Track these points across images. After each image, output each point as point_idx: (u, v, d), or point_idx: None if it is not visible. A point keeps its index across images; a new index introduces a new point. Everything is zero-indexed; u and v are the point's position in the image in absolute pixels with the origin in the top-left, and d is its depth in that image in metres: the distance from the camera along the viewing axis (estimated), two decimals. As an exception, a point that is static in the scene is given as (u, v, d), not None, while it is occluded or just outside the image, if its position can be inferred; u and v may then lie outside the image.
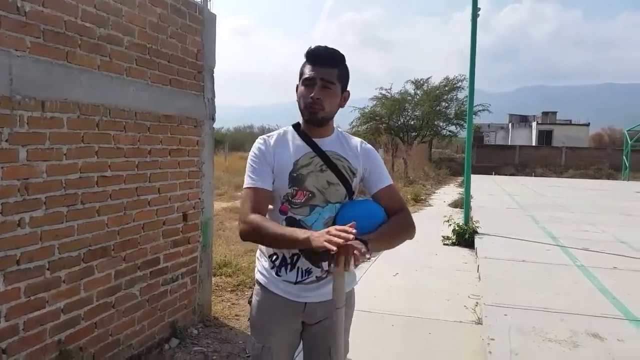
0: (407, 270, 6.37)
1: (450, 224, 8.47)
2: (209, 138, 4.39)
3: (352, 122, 40.14)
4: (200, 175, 4.28)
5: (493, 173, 31.26)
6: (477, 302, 5.01)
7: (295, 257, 1.92)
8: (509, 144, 40.20)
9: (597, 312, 4.38)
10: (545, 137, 39.37)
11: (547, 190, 18.76)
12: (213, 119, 4.41)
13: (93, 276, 3.10)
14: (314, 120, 1.87)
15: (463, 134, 37.08)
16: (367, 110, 37.72)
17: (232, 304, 5.23)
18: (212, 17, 4.31)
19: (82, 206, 2.96)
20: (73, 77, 2.82)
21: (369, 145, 2.02)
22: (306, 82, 1.84)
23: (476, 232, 8.27)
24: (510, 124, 44.90)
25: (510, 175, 31.03)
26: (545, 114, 44.36)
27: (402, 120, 34.46)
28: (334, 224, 1.85)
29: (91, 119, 2.99)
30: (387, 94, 34.05)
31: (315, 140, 1.93)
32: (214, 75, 4.39)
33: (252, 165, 1.90)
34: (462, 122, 33.66)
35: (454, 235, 8.34)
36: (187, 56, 3.95)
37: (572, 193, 17.94)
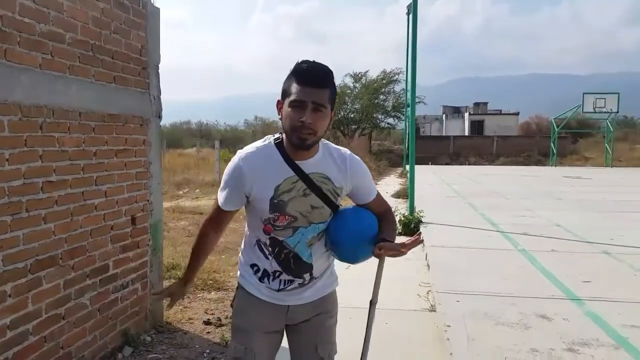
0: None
1: (396, 215, 8.62)
2: (155, 137, 4.23)
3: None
4: (148, 176, 4.12)
5: (430, 163, 32.13)
6: (428, 290, 5.14)
7: (277, 273, 1.94)
8: (444, 134, 41.48)
9: (543, 294, 4.60)
10: (477, 127, 40.92)
11: (482, 178, 19.51)
12: (159, 117, 4.26)
13: (41, 287, 2.92)
14: (302, 146, 1.73)
15: (401, 125, 37.94)
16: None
17: (185, 307, 5.10)
18: (156, 11, 4.15)
19: (27, 214, 2.77)
20: (13, 77, 2.63)
21: (356, 159, 1.94)
22: (295, 104, 1.69)
23: (421, 222, 8.47)
24: (444, 115, 46.34)
25: (445, 164, 32.02)
26: (476, 104, 46.08)
27: (342, 113, 34.76)
28: (341, 238, 1.90)
29: (34, 121, 2.80)
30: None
31: (299, 162, 1.80)
32: (159, 71, 4.23)
33: (225, 186, 1.88)
34: (400, 115, 34.40)
35: (400, 225, 8.51)
36: (131, 52, 3.78)
37: (506, 180, 18.75)
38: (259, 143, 1.86)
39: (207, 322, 4.68)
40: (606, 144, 30.20)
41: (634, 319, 3.92)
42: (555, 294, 4.58)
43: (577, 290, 4.68)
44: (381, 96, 35.41)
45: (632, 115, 66.59)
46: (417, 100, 39.36)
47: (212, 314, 4.94)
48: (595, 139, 36.55)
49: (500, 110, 46.01)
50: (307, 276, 1.93)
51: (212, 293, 5.54)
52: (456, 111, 46.76)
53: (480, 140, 36.52)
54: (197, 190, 15.14)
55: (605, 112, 28.92)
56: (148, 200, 4.12)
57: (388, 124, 38.73)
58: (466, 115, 43.44)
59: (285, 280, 1.94)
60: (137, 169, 3.95)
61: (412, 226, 8.35)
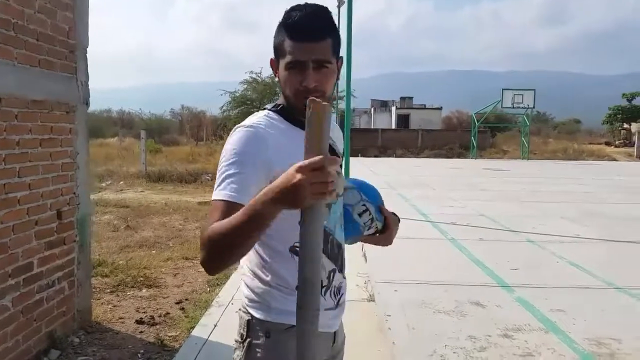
0: (295, 255, 6.42)
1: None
2: (82, 125, 3.97)
3: (222, 107, 39.46)
4: (75, 167, 3.87)
5: (359, 155, 32.67)
6: (366, 281, 5.20)
7: (332, 274, 1.49)
8: (372, 127, 42.30)
9: (475, 281, 4.77)
10: (403, 120, 42.09)
11: (410, 170, 20.08)
12: (87, 104, 4.00)
13: (-44, 290, 2.66)
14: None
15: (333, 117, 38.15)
16: (237, 95, 37.30)
17: (114, 306, 4.85)
18: (83, -9, 3.88)
19: (-61, 209, 2.50)
20: None
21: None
22: (292, 66, 1.35)
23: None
24: (372, 109, 47.26)
25: (374, 156, 32.67)
26: (402, 99, 47.33)
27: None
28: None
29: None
30: (257, 78, 34.02)
31: None
32: (87, 55, 3.97)
33: (233, 167, 1.28)
34: (332, 107, 34.60)
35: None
36: (58, 34, 3.51)
37: (432, 172, 19.40)
38: (253, 118, 1.42)
39: (140, 321, 4.48)
40: (523, 138, 31.98)
41: (560, 304, 4.15)
42: (487, 282, 4.77)
43: (507, 277, 4.91)
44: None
45: (544, 111, 71.30)
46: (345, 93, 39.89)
47: (144, 312, 4.73)
48: (511, 133, 38.69)
49: (425, 105, 47.56)
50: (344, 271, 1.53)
51: (144, 290, 5.32)
52: (384, 105, 47.83)
53: (407, 133, 37.57)
54: (122, 182, 14.50)
55: (522, 108, 30.61)
56: (74, 193, 3.87)
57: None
58: (393, 109, 44.53)
59: (338, 287, 1.52)
60: (63, 160, 3.69)
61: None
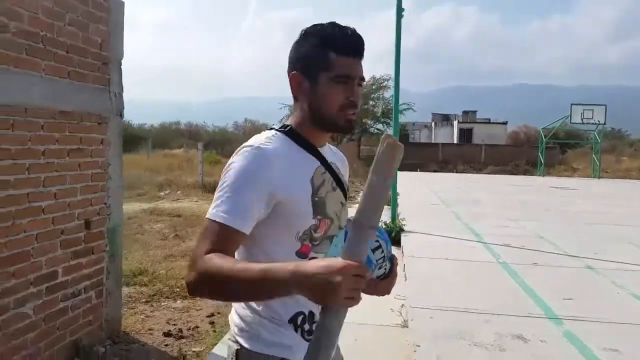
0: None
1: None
2: (116, 136, 3.99)
3: (281, 119, 39.89)
4: (106, 177, 3.88)
5: (418, 170, 32.07)
6: (402, 304, 4.93)
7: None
8: (433, 141, 41.48)
9: (521, 311, 4.41)
10: (465, 135, 40.96)
11: (468, 187, 19.41)
12: (121, 115, 4.02)
13: (-30, 298, 2.68)
14: (348, 128, 1.38)
15: (390, 131, 37.86)
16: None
17: (146, 316, 4.85)
18: (120, 4, 3.92)
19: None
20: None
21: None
22: (340, 80, 1.32)
23: (402, 230, 8.28)
24: (433, 123, 46.37)
25: (433, 171, 31.96)
26: (465, 112, 46.16)
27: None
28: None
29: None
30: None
31: (320, 149, 1.41)
32: (122, 67, 3.99)
33: (233, 189, 1.22)
34: (389, 120, 34.35)
35: (381, 233, 8.28)
36: (90, 46, 3.55)
37: (492, 189, 18.65)
38: (260, 137, 1.34)
39: (168, 334, 4.44)
40: (593, 155, 30.30)
41: (613, 342, 3.74)
42: (535, 312, 4.39)
43: (557, 308, 4.50)
44: (370, 102, 35.32)
45: (619, 127, 67.40)
46: (406, 106, 39.49)
47: (175, 324, 4.69)
48: (583, 150, 36.73)
49: (489, 119, 46.15)
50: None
51: (178, 301, 5.30)
52: (445, 119, 46.84)
53: (469, 148, 36.54)
54: (179, 192, 14.85)
55: (592, 124, 29.03)
56: (105, 204, 3.88)
57: (377, 129, 38.67)
58: (455, 123, 43.49)
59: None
60: (94, 170, 3.71)
61: (393, 234, 8.14)
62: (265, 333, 1.32)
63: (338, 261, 0.99)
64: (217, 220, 1.19)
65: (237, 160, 1.26)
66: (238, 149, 1.30)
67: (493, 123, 43.54)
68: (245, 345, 1.32)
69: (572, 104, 28.77)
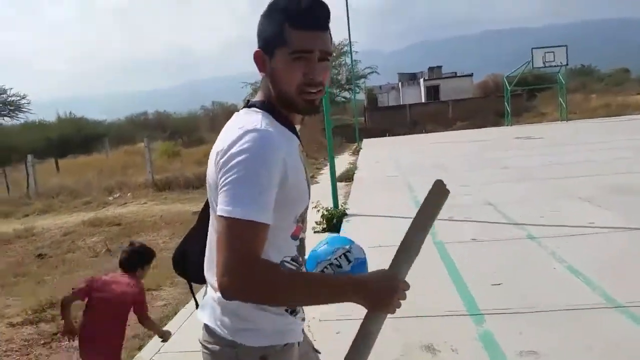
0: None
1: (319, 210, 7.93)
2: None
3: (245, 98, 39.10)
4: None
5: (387, 134, 31.59)
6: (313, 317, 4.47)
7: None
8: (401, 103, 40.88)
9: (439, 309, 3.91)
10: (433, 92, 40.39)
11: (432, 149, 18.97)
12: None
13: None
14: (312, 110, 1.33)
15: (358, 97, 37.19)
16: (258, 85, 36.85)
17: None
18: None
19: None
20: None
21: None
22: (297, 55, 1.25)
23: (345, 214, 7.80)
24: (400, 83, 45.67)
25: (403, 134, 31.50)
26: (431, 69, 45.40)
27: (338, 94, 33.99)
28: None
29: None
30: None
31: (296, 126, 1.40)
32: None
33: (255, 180, 1.17)
34: (356, 87, 33.71)
35: (323, 220, 7.82)
36: None
37: (455, 149, 18.22)
38: (254, 117, 1.27)
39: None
40: (560, 98, 30.05)
41: (534, 341, 3.29)
42: (455, 309, 3.90)
43: (482, 299, 4.03)
44: (333, 70, 34.57)
45: (589, 63, 67.22)
46: (370, 70, 38.69)
47: None
48: (553, 92, 36.44)
49: (455, 73, 45.54)
50: None
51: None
52: (412, 78, 46.15)
53: (436, 106, 36.07)
54: (129, 194, 14.19)
55: (555, 66, 28.67)
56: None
57: (343, 97, 38.02)
58: (421, 81, 42.90)
59: None
60: None
61: (334, 221, 7.66)
62: (266, 325, 1.31)
63: (396, 279, 1.23)
64: (254, 219, 1.15)
65: (248, 147, 1.18)
66: (239, 132, 1.21)
67: (459, 76, 42.95)
68: (247, 343, 1.30)
69: (532, 48, 28.32)
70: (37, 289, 6.35)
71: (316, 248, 1.59)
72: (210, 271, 1.35)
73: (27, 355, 4.51)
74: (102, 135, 34.76)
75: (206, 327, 1.36)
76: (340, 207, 8.13)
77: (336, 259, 1.54)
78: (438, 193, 1.33)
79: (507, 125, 29.87)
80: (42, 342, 4.74)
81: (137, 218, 10.64)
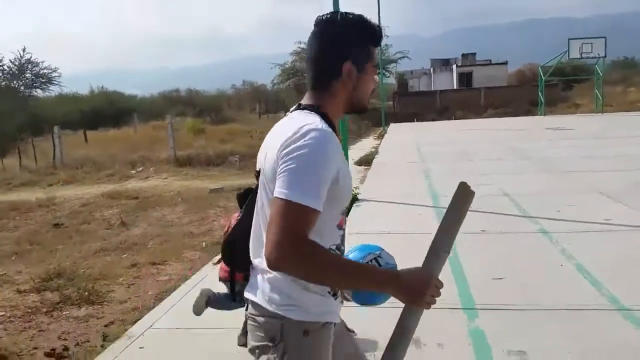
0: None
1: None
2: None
3: (273, 79, 39.05)
4: None
5: (415, 120, 31.17)
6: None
7: None
8: (432, 89, 40.21)
9: (438, 303, 3.82)
10: (465, 79, 39.52)
11: (459, 136, 18.61)
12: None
13: None
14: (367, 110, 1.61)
15: (387, 81, 36.69)
16: (287, 66, 36.79)
17: (40, 330, 4.34)
18: None
19: None
20: None
21: None
22: (375, 68, 1.56)
23: (356, 199, 7.70)
24: (432, 69, 44.83)
25: (431, 120, 31.02)
26: (464, 56, 44.44)
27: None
28: None
29: None
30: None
31: None
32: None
33: (323, 177, 1.34)
34: (385, 71, 33.24)
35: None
36: None
37: (485, 136, 17.83)
38: (314, 118, 1.43)
39: (49, 354, 3.97)
40: (596, 90, 29.07)
41: (526, 339, 3.17)
42: (451, 302, 3.78)
43: (479, 294, 3.91)
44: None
45: (635, 55, 64.38)
46: (401, 55, 38.07)
47: (65, 339, 4.24)
48: (590, 83, 35.20)
49: (490, 61, 44.42)
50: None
51: (82, 309, 4.82)
52: (445, 64, 45.28)
53: (467, 92, 35.37)
54: (152, 169, 14.35)
55: (592, 57, 27.68)
56: None
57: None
58: (454, 67, 42.03)
59: None
60: None
61: (346, 205, 7.56)
62: (313, 306, 1.44)
63: (432, 276, 1.39)
64: (308, 205, 1.29)
65: (312, 143, 1.32)
66: (303, 129, 1.35)
67: (493, 64, 41.88)
68: (294, 317, 1.41)
69: (569, 39, 27.40)
70: (48, 257, 6.47)
71: (347, 254, 1.66)
72: (257, 252, 1.48)
73: (29, 322, 4.58)
74: (132, 109, 35.19)
75: (253, 303, 1.48)
76: (352, 191, 8.03)
77: (367, 263, 1.62)
78: (463, 195, 1.42)
79: (540, 115, 29.10)
80: (45, 310, 4.81)
81: (156, 192, 10.77)
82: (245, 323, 1.56)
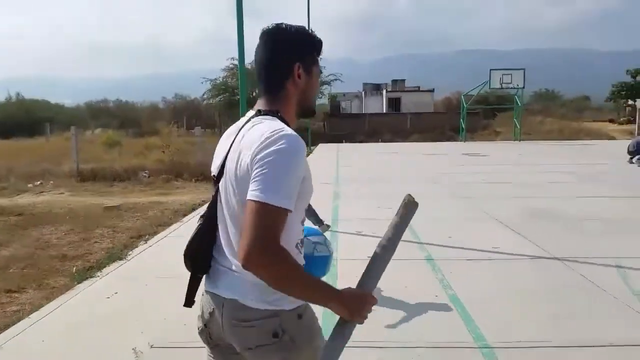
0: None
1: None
2: None
3: (203, 94, 38.35)
4: None
5: (343, 141, 31.37)
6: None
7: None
8: (363, 112, 40.80)
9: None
10: (394, 104, 40.44)
11: (379, 158, 18.71)
12: None
13: None
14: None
15: (320, 102, 36.87)
16: (218, 82, 36.21)
17: None
18: None
19: None
20: None
21: None
22: (319, 75, 1.69)
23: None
24: (363, 92, 45.59)
25: (360, 142, 31.32)
26: (394, 81, 45.53)
27: (256, 92, 33.40)
28: None
29: None
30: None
31: None
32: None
33: (295, 180, 1.39)
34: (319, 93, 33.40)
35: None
36: None
37: (400, 160, 18.00)
38: (279, 123, 1.47)
39: None
40: (515, 119, 30.44)
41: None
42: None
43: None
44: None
45: (555, 88, 68.52)
46: (334, 77, 38.43)
47: None
48: (512, 113, 36.88)
49: (419, 87, 45.83)
50: None
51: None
52: (376, 88, 46.21)
53: (395, 117, 36.16)
54: (51, 183, 13.32)
55: (511, 88, 29.02)
56: None
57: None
58: (384, 92, 42.93)
59: None
60: None
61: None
62: None
63: (370, 295, 1.48)
64: (283, 206, 1.34)
65: (285, 148, 1.37)
66: (275, 135, 1.39)
67: (421, 91, 43.21)
68: (287, 307, 1.48)
69: (490, 70, 28.60)
70: None
71: None
72: (232, 251, 1.48)
73: None
74: (50, 119, 33.34)
75: (241, 306, 1.47)
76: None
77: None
78: (409, 207, 1.50)
79: (461, 141, 30.05)
80: None
81: (45, 209, 9.89)
82: (208, 320, 1.58)
